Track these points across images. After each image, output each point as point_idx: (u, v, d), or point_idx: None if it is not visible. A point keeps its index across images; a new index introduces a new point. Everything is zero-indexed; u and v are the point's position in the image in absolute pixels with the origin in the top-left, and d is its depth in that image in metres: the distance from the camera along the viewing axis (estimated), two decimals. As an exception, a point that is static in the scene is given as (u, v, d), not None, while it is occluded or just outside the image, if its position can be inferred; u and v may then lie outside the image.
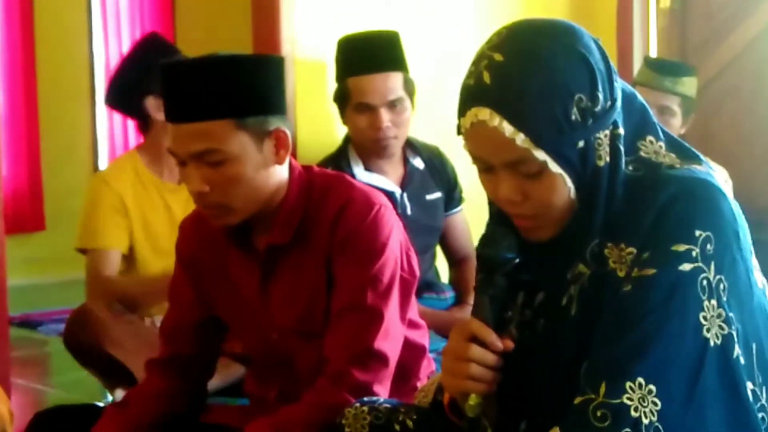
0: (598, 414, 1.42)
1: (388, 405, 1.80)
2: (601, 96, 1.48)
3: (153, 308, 3.05)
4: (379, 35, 3.10)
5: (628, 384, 1.42)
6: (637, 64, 3.86)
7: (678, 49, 3.94)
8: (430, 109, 3.46)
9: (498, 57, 1.47)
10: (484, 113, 1.46)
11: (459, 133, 1.54)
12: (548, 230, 1.55)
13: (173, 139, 1.94)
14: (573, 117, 1.45)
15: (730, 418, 1.47)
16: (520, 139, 1.44)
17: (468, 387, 1.53)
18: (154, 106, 2.99)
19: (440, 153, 3.34)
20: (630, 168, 1.55)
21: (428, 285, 3.20)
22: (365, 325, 1.96)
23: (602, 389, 1.43)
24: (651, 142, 1.59)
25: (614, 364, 1.44)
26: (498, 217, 1.61)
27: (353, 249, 1.98)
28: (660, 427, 1.41)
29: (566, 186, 1.49)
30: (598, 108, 1.48)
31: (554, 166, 1.47)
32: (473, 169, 1.58)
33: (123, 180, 3.08)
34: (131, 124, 4.94)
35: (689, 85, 3.39)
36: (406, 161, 3.19)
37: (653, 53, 4.01)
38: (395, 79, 3.05)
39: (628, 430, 1.40)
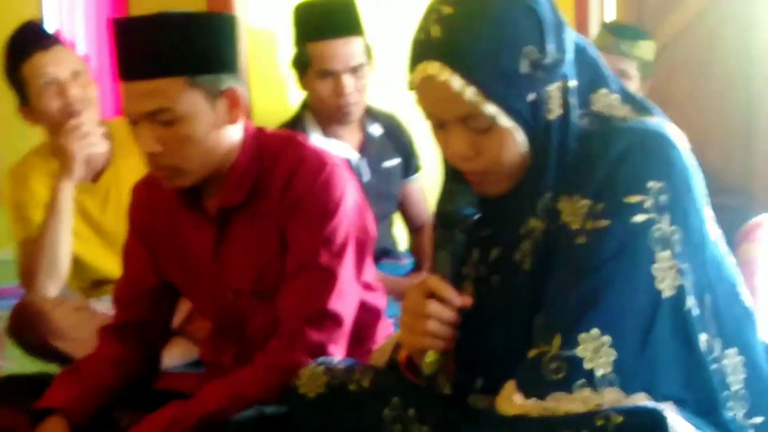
0: (553, 366, 1.42)
1: (343, 365, 1.79)
2: (550, 48, 1.47)
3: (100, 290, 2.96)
4: (336, 1, 3.07)
5: (582, 335, 1.42)
6: (594, 30, 3.86)
7: (635, 14, 3.94)
8: (386, 77, 3.44)
9: (447, 10, 1.46)
10: (433, 67, 1.45)
11: (410, 88, 1.52)
12: (501, 185, 1.55)
13: (125, 98, 1.91)
14: (522, 69, 1.45)
15: (684, 369, 1.47)
16: (470, 92, 1.44)
17: (426, 343, 1.53)
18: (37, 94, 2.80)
19: (397, 120, 3.33)
20: (584, 121, 1.54)
21: (386, 252, 3.20)
22: (319, 285, 1.94)
23: (556, 341, 1.43)
24: (604, 94, 1.59)
25: (567, 315, 1.44)
26: (452, 174, 1.60)
27: (306, 209, 1.95)
28: (614, 377, 1.41)
29: (517, 140, 1.48)
30: (548, 60, 1.47)
31: (504, 120, 1.46)
32: (430, 138, 1.58)
33: (39, 177, 2.87)
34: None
35: (646, 49, 3.39)
36: (363, 128, 3.17)
37: (610, 19, 4.01)
38: (356, 44, 3.03)
39: (582, 381, 1.40)
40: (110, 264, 2.83)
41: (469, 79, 1.43)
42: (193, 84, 1.88)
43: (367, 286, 2.14)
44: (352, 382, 1.73)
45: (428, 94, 1.49)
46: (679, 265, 1.47)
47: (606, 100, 1.58)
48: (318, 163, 1.98)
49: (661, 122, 1.57)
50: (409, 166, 3.32)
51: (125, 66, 1.89)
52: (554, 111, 1.49)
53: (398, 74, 3.56)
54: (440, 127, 1.52)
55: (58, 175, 2.77)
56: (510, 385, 1.46)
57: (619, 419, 1.34)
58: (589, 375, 1.40)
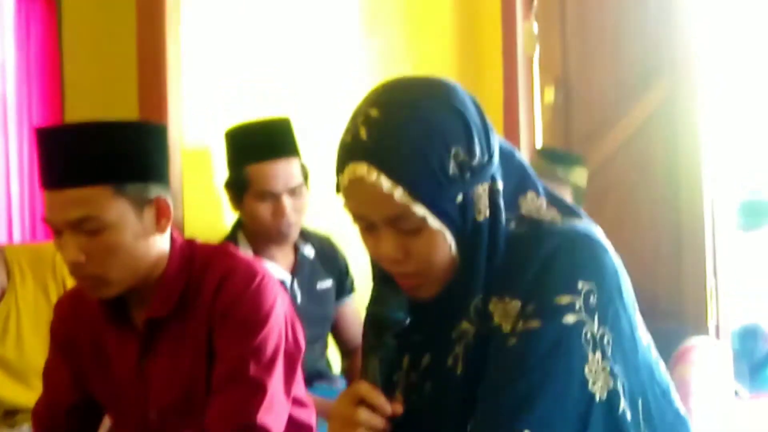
0: None
1: None
2: (477, 149, 1.47)
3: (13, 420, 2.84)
4: (273, 122, 3.07)
5: None
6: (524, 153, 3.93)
7: (563, 142, 4.02)
8: (322, 197, 3.45)
9: (374, 112, 1.46)
10: (361, 169, 1.44)
11: (338, 191, 1.51)
12: (431, 288, 1.52)
13: (48, 207, 1.87)
14: (450, 170, 1.44)
15: None
16: (399, 193, 1.42)
17: None
18: None
19: (331, 242, 3.31)
20: (512, 225, 1.54)
21: (319, 374, 3.14)
22: (247, 398, 1.88)
23: None
24: (532, 198, 1.59)
25: (500, 418, 1.42)
26: (383, 277, 1.58)
27: (235, 319, 1.92)
28: None
29: (447, 242, 1.47)
30: (476, 161, 1.47)
31: (434, 222, 1.45)
32: (365, 259, 1.56)
33: None
34: (14, 160, 4.75)
35: (580, 175, 3.42)
36: (296, 249, 3.15)
37: (540, 144, 4.09)
38: (294, 164, 3.02)
39: None
40: (17, 394, 2.76)
41: (398, 180, 1.42)
42: (120, 192, 1.85)
43: (297, 402, 2.09)
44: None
45: (356, 195, 1.47)
46: (611, 367, 1.45)
47: (534, 204, 1.59)
48: (248, 273, 1.95)
49: (590, 225, 1.58)
50: (343, 287, 3.29)
51: (51, 173, 1.86)
52: (482, 212, 1.49)
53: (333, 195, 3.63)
54: (369, 230, 1.51)
55: None
56: None
57: None
58: None
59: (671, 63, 3.91)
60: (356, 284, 3.32)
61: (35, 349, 2.75)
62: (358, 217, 1.51)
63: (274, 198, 2.98)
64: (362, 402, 1.48)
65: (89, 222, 1.84)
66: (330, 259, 3.25)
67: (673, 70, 3.91)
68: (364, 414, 1.47)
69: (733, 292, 4.08)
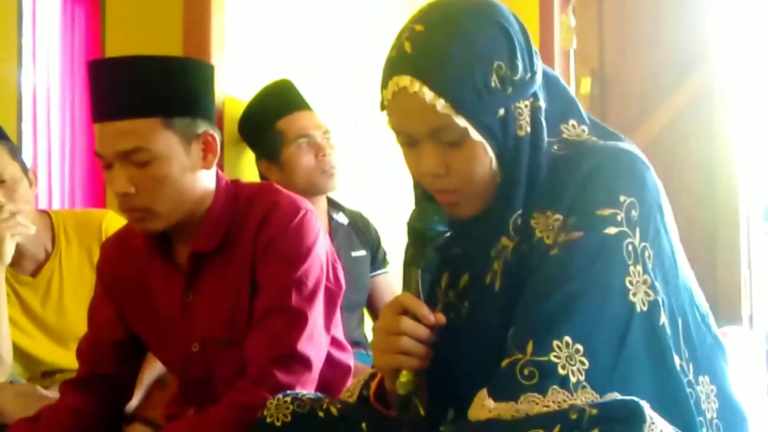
0: (526, 372, 1.40)
1: (312, 396, 1.75)
2: (520, 66, 1.49)
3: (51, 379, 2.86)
4: (283, 83, 3.16)
5: (555, 342, 1.40)
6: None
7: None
8: (353, 178, 3.49)
9: (419, 28, 1.49)
10: (404, 80, 1.46)
11: (382, 108, 1.54)
12: (472, 206, 1.54)
13: (99, 139, 1.91)
14: (493, 84, 1.46)
15: (658, 386, 1.46)
16: (441, 104, 1.45)
17: (400, 362, 1.49)
18: None
19: (363, 216, 3.35)
20: (554, 147, 1.56)
21: (357, 343, 3.15)
22: (288, 327, 1.91)
23: (529, 348, 1.41)
24: (573, 125, 1.61)
25: (540, 323, 1.43)
26: (424, 193, 1.60)
27: (278, 251, 1.94)
28: (587, 386, 1.39)
29: (488, 155, 1.49)
30: (518, 77, 1.49)
31: (475, 134, 1.47)
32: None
33: None
34: (56, 153, 4.80)
35: None
36: (330, 217, 3.18)
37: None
38: (317, 116, 3.12)
39: (555, 386, 1.38)
40: (57, 356, 2.78)
41: (440, 91, 1.45)
42: (169, 125, 1.89)
43: (336, 343, 2.11)
44: (321, 410, 1.68)
45: (400, 109, 1.50)
46: (652, 281, 1.47)
47: (575, 131, 1.61)
48: (292, 208, 1.98)
49: (633, 146, 1.60)
50: (377, 259, 3.31)
51: (101, 106, 1.90)
52: (524, 128, 1.51)
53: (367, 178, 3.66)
54: (411, 145, 1.53)
55: None
56: (482, 393, 1.43)
57: (594, 411, 1.31)
58: (563, 380, 1.39)
59: (706, 57, 3.93)
60: (389, 259, 3.35)
61: (76, 314, 2.78)
62: (400, 133, 1.53)
63: (312, 141, 3.05)
64: (405, 312, 1.50)
65: (139, 153, 1.88)
66: (363, 231, 3.29)
67: (708, 64, 3.93)
68: (408, 323, 1.49)
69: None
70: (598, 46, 4.14)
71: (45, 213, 2.90)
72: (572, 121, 1.62)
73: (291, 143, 3.05)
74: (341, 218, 3.21)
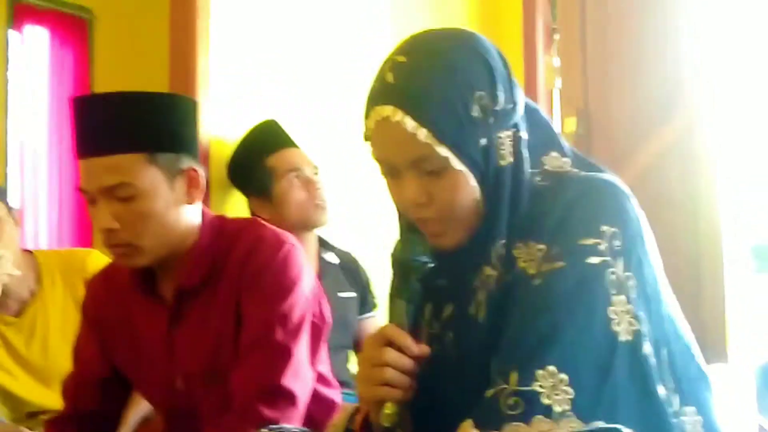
0: (510, 402, 1.39)
1: (297, 430, 1.74)
2: (501, 96, 1.51)
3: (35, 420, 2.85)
4: (270, 123, 3.19)
5: (539, 372, 1.40)
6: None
7: (585, 170, 4.05)
8: (343, 220, 3.49)
9: (401, 59, 1.50)
10: (386, 110, 1.47)
11: (366, 139, 1.55)
12: (455, 236, 1.55)
13: (83, 175, 1.92)
14: (474, 113, 1.47)
15: (643, 417, 1.44)
16: (423, 134, 1.45)
17: (384, 393, 1.49)
18: None
19: (353, 257, 3.35)
20: (537, 179, 1.57)
21: (343, 383, 3.13)
22: (273, 362, 1.90)
23: (513, 378, 1.41)
24: (555, 157, 1.62)
25: (524, 353, 1.42)
26: (407, 224, 1.60)
27: (263, 285, 1.95)
28: (572, 415, 1.38)
29: (470, 185, 1.50)
30: (499, 107, 1.50)
31: (457, 163, 1.47)
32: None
33: None
34: (44, 194, 4.80)
35: None
36: (320, 256, 3.19)
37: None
38: (304, 154, 3.14)
39: (540, 417, 1.38)
40: (42, 396, 2.77)
41: (422, 121, 1.45)
42: (153, 161, 1.90)
43: (323, 379, 2.11)
44: (306, 443, 1.68)
45: (382, 138, 1.51)
46: (635, 311, 1.47)
47: (557, 162, 1.62)
48: (277, 242, 1.99)
49: (614, 177, 1.61)
50: (366, 302, 3.31)
51: (85, 142, 1.91)
52: (506, 158, 1.52)
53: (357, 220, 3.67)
54: (394, 176, 1.54)
55: None
56: (466, 423, 1.42)
57: None
58: (547, 410, 1.38)
59: (690, 96, 3.96)
60: (378, 302, 3.35)
61: (61, 354, 2.76)
62: (383, 163, 1.54)
63: (303, 176, 3.08)
64: (390, 343, 1.50)
65: (123, 189, 1.88)
66: (353, 273, 3.29)
67: (691, 103, 3.96)
68: (391, 354, 1.49)
69: (753, 326, 4.07)
70: (582, 86, 4.17)
71: (29, 253, 2.89)
72: (554, 153, 1.62)
73: (282, 178, 3.07)
74: (331, 258, 3.22)
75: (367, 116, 1.52)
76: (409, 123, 1.46)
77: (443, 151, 1.46)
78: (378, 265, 3.44)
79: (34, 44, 5.05)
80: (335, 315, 3.09)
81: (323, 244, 3.24)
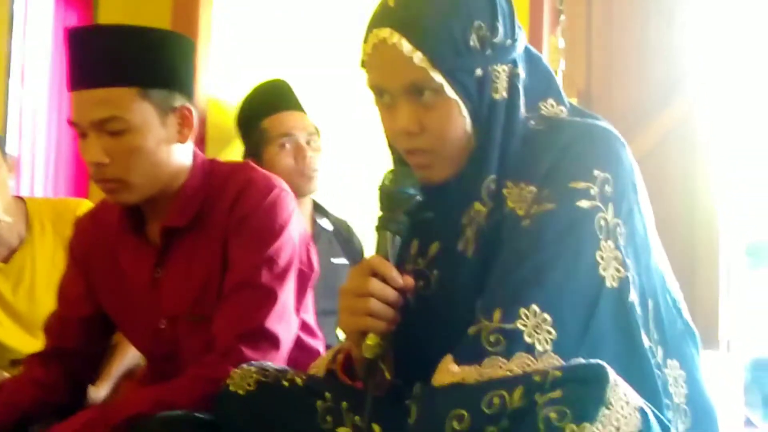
0: (491, 339, 1.39)
1: (277, 367, 1.73)
2: (501, 29, 1.50)
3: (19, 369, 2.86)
4: (284, 82, 3.16)
5: (523, 311, 1.39)
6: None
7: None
8: (337, 187, 3.48)
9: None
10: (384, 32, 1.48)
11: (362, 65, 1.54)
12: (444, 169, 1.54)
13: (75, 108, 1.90)
14: (471, 42, 1.47)
15: (625, 363, 1.43)
16: (418, 57, 1.45)
17: (367, 324, 1.48)
18: None
19: (348, 225, 3.33)
20: (531, 122, 1.56)
21: (330, 347, 3.12)
22: (257, 304, 1.88)
23: (496, 315, 1.40)
24: (552, 104, 1.61)
25: (508, 292, 1.42)
26: (400, 159, 1.59)
27: (250, 228, 1.92)
28: (553, 355, 1.37)
29: (462, 116, 1.49)
30: (498, 39, 1.50)
31: (450, 91, 1.47)
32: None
33: None
34: (41, 145, 4.77)
35: None
36: (314, 221, 3.17)
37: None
38: (305, 117, 3.10)
39: (521, 353, 1.37)
40: (26, 344, 2.73)
41: (418, 44, 1.45)
42: (145, 96, 1.88)
43: (306, 327, 2.09)
44: (285, 380, 1.67)
45: (378, 62, 1.50)
46: (623, 258, 1.46)
47: (553, 109, 1.61)
48: (267, 185, 1.97)
49: (611, 127, 1.59)
50: None
51: (78, 74, 1.89)
52: (500, 92, 1.51)
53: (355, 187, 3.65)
54: (387, 105, 1.53)
55: None
56: (447, 358, 1.42)
57: (558, 373, 1.29)
58: (529, 348, 1.37)
59: (691, 82, 3.95)
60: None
61: (47, 302, 2.73)
62: (377, 88, 1.53)
63: (294, 142, 3.04)
64: (374, 274, 1.49)
65: (114, 122, 1.86)
66: (346, 239, 3.27)
67: (692, 91, 3.94)
68: (376, 284, 1.48)
69: (746, 320, 4.07)
70: (586, 68, 4.15)
71: (20, 200, 2.87)
72: (551, 100, 1.62)
73: (273, 142, 3.05)
74: (325, 223, 3.20)
75: (365, 40, 1.52)
76: (406, 46, 1.46)
77: (437, 77, 1.46)
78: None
79: (38, 6, 5.03)
80: (326, 281, 3.09)
81: (318, 209, 3.22)
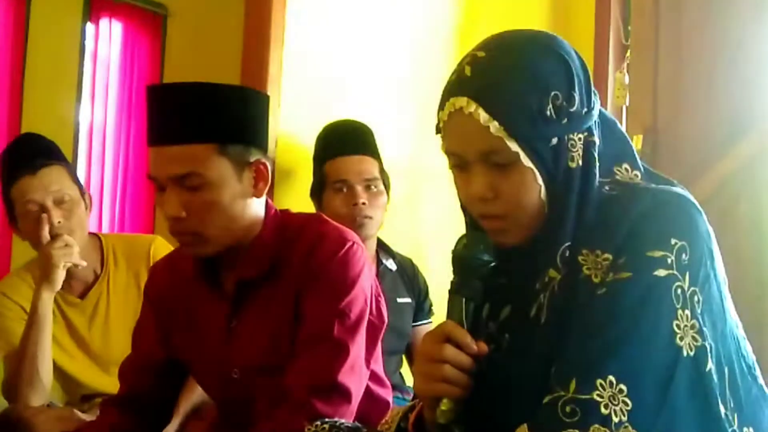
0: (567, 410, 1.39)
1: (350, 425, 1.74)
2: (577, 98, 1.50)
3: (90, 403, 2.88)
4: (353, 123, 3.18)
5: (599, 381, 1.39)
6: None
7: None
8: (405, 223, 3.50)
9: (480, 54, 1.51)
10: (461, 101, 1.48)
11: (437, 131, 1.56)
12: (518, 234, 1.54)
13: (154, 163, 1.94)
14: (548, 112, 1.47)
15: (701, 430, 1.43)
16: (494, 127, 1.46)
17: (441, 390, 1.48)
18: (21, 216, 2.76)
19: (413, 264, 3.35)
20: (606, 188, 1.56)
21: (394, 387, 3.14)
22: (330, 357, 1.91)
23: (572, 386, 1.40)
24: (627, 169, 1.61)
25: (585, 362, 1.41)
26: (472, 222, 1.60)
27: (323, 281, 1.95)
28: (629, 426, 1.37)
29: (537, 183, 1.49)
30: (574, 108, 1.50)
31: (526, 159, 1.47)
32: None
33: (22, 292, 2.82)
34: (109, 178, 4.84)
35: None
36: (378, 261, 3.19)
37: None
38: (370, 161, 3.11)
39: (597, 426, 1.36)
40: (98, 380, 2.81)
41: (495, 114, 1.46)
42: (223, 152, 1.91)
43: (376, 378, 2.11)
44: (359, 438, 1.68)
45: (454, 129, 1.51)
46: (700, 326, 1.45)
47: (628, 174, 1.60)
48: (339, 239, 1.99)
49: (687, 192, 1.59)
50: (422, 309, 3.30)
51: (158, 130, 1.93)
52: (576, 160, 1.51)
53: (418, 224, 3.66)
54: (462, 169, 1.54)
55: (37, 283, 2.72)
56: (522, 428, 1.42)
57: None
58: (605, 419, 1.37)
59: (760, 121, 3.91)
60: (434, 310, 3.34)
61: (120, 339, 2.80)
62: (452, 155, 1.54)
63: (348, 188, 3.05)
64: (448, 339, 1.49)
65: (192, 178, 1.90)
66: (411, 279, 3.28)
67: (761, 128, 3.90)
68: (450, 350, 1.48)
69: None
70: (652, 104, 4.13)
71: (95, 236, 2.94)
72: (626, 165, 1.61)
73: (330, 187, 3.07)
74: (390, 263, 3.22)
75: (441, 108, 1.53)
76: (482, 115, 1.46)
77: (513, 145, 1.47)
78: (438, 270, 3.45)
79: (108, 38, 5.12)
80: (391, 320, 3.11)
81: (383, 249, 3.24)
